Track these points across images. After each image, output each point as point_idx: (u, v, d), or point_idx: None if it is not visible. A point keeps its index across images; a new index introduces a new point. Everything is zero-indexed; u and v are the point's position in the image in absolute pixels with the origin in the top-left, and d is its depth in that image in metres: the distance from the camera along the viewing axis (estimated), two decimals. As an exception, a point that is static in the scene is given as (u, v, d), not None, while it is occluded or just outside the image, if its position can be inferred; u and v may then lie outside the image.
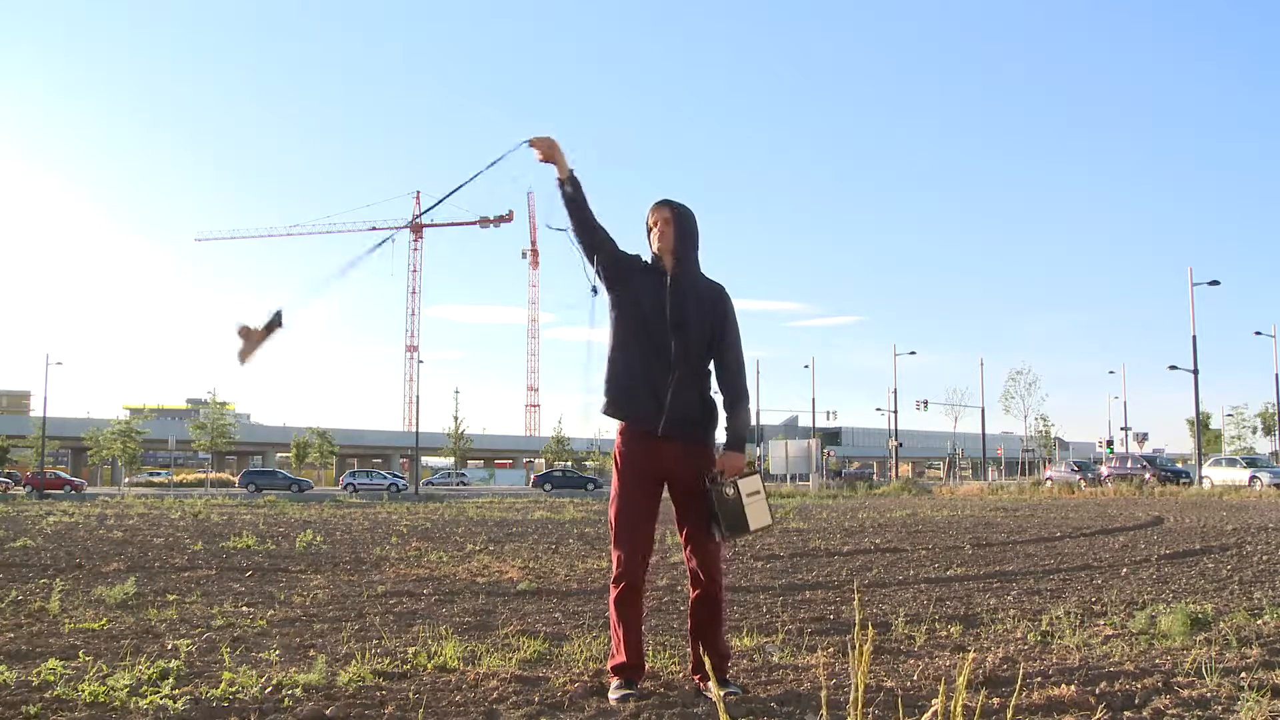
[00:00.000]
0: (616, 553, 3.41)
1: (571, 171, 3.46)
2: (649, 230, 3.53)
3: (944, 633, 4.77)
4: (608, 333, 3.48)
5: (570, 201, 3.44)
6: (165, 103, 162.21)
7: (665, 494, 3.50)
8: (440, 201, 4.40)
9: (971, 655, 4.13)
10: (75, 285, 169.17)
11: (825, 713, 2.40)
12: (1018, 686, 3.45)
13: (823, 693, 2.73)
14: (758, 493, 3.40)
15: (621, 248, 3.50)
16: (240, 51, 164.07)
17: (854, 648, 4.34)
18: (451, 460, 68.44)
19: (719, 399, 3.50)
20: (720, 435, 3.50)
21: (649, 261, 3.52)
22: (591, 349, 3.48)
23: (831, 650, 4.30)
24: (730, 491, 3.34)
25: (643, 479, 3.41)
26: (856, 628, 2.39)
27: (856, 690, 2.03)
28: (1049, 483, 38.84)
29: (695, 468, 3.41)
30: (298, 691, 3.46)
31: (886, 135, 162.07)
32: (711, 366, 3.52)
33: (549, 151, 3.45)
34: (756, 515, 3.38)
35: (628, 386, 3.40)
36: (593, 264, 3.45)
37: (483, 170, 3.61)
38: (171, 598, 6.23)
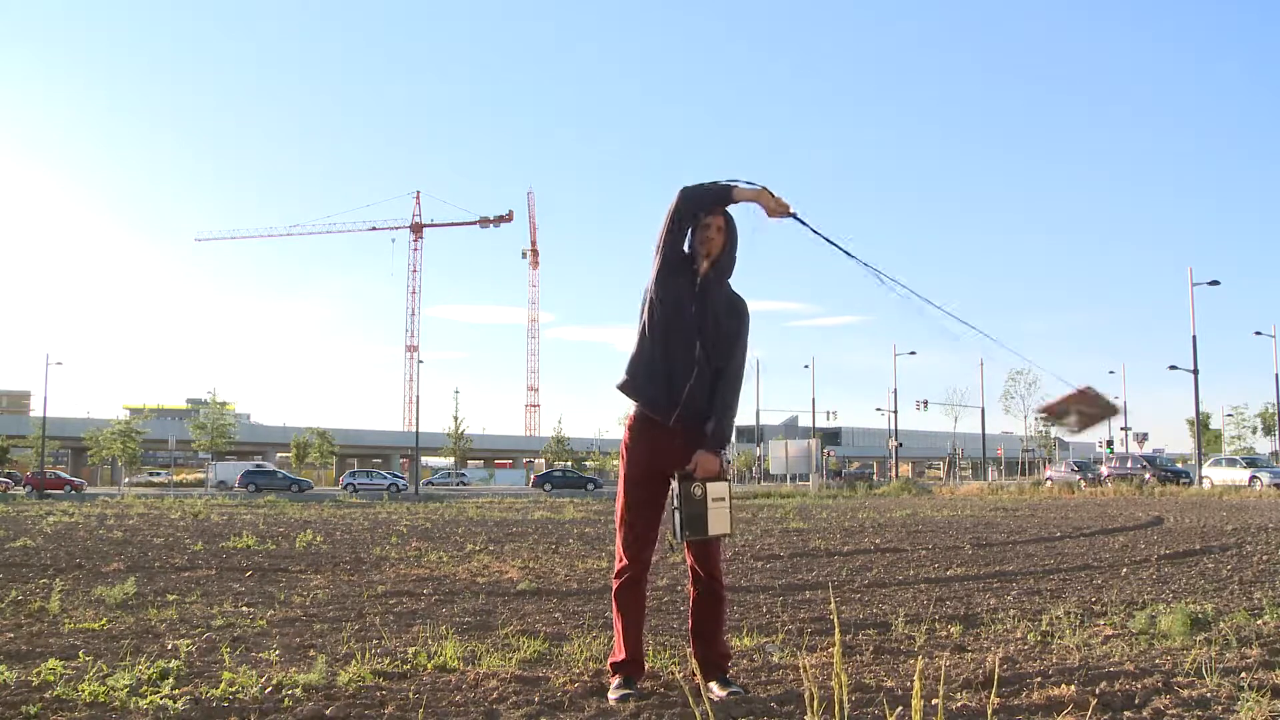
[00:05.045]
0: (620, 547, 3.48)
1: (693, 195, 3.44)
2: (693, 219, 3.45)
3: (944, 633, 4.77)
4: (642, 319, 3.48)
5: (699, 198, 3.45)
6: (165, 103, 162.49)
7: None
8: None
9: (969, 655, 4.14)
10: (75, 285, 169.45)
11: (839, 713, 2.39)
12: (1018, 686, 3.46)
13: (834, 692, 2.73)
14: (723, 500, 3.36)
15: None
16: (240, 51, 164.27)
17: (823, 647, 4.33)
18: (451, 460, 68.42)
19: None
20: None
21: (685, 255, 3.49)
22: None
23: (831, 650, 4.29)
24: (698, 492, 3.33)
25: (649, 474, 3.46)
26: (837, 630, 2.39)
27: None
28: (1049, 483, 38.80)
29: None
30: (298, 691, 3.46)
31: (886, 134, 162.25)
32: None
33: (760, 197, 3.46)
34: (717, 522, 3.35)
35: (648, 371, 3.44)
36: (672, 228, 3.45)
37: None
38: (171, 598, 6.23)
